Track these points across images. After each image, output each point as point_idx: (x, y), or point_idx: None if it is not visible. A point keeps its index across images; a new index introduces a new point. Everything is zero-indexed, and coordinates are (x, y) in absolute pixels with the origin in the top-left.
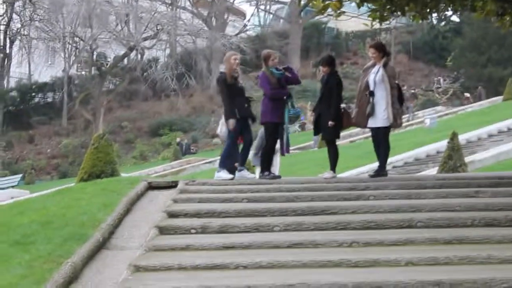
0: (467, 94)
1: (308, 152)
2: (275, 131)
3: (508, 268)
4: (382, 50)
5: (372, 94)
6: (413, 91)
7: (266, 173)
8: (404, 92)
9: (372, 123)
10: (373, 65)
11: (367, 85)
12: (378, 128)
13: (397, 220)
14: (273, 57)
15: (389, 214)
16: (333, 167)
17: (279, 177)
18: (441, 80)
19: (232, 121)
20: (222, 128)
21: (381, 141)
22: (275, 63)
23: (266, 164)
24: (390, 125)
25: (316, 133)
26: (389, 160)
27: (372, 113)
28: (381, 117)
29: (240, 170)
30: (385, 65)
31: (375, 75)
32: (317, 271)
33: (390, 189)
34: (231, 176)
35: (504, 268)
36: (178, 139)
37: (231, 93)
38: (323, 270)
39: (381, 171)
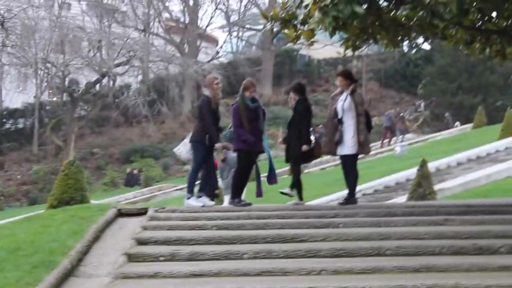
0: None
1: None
2: (248, 157)
3: None
4: (349, 77)
5: (340, 121)
6: (401, 114)
7: (237, 199)
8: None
9: (340, 150)
10: (341, 92)
11: (335, 113)
12: (346, 155)
13: (366, 248)
14: (252, 89)
15: (358, 242)
16: (300, 194)
17: (249, 204)
18: (422, 104)
19: (219, 145)
20: (181, 147)
21: (349, 169)
22: (252, 96)
23: (236, 191)
24: (357, 153)
25: (287, 160)
26: (359, 187)
27: (340, 140)
28: (348, 145)
29: (199, 197)
30: (352, 92)
31: (343, 103)
32: None
33: (360, 217)
34: (200, 203)
35: None
36: (128, 170)
37: (210, 119)
38: None
39: (350, 199)
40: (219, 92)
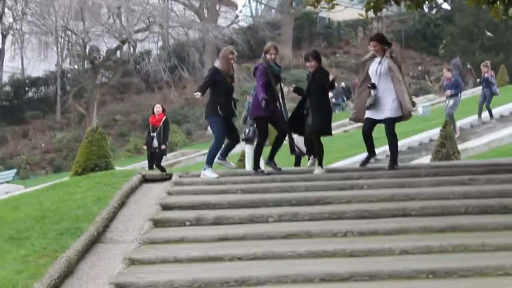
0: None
1: None
2: (266, 126)
3: (503, 255)
4: (384, 41)
5: (374, 86)
6: (469, 66)
7: (260, 169)
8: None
9: (375, 114)
10: (372, 57)
11: (368, 77)
12: (387, 119)
13: (391, 209)
14: (272, 51)
15: (383, 203)
16: (321, 162)
17: (267, 173)
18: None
19: (197, 93)
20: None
21: (390, 134)
22: (272, 58)
23: (257, 161)
24: (398, 116)
25: (298, 130)
26: (382, 149)
27: (373, 104)
28: (389, 108)
29: (218, 159)
30: (391, 56)
31: (379, 66)
32: (312, 262)
33: (384, 178)
34: (216, 175)
35: (499, 255)
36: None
37: (219, 90)
38: (318, 260)
39: (393, 166)
40: (232, 67)
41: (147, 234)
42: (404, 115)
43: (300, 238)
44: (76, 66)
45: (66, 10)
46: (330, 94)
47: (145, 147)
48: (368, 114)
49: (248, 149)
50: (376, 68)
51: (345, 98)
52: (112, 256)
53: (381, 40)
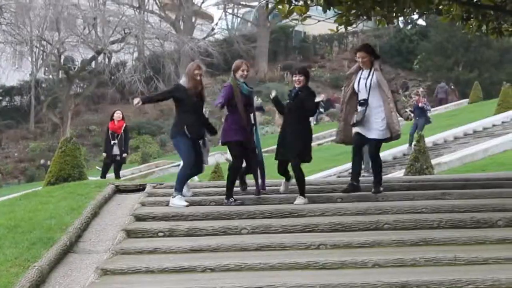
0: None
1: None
2: (241, 149)
3: (474, 269)
4: (372, 53)
5: (366, 103)
6: (452, 86)
7: (231, 199)
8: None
9: (363, 131)
10: (358, 71)
11: (354, 93)
12: (371, 139)
13: (364, 222)
14: (244, 67)
15: (356, 216)
16: (303, 192)
17: (241, 203)
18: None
19: (136, 100)
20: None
21: (375, 156)
22: (244, 75)
23: (229, 189)
24: (387, 138)
25: (279, 155)
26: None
27: (360, 122)
28: (377, 128)
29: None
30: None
31: (367, 81)
32: (285, 274)
33: (357, 192)
34: (185, 203)
35: (470, 269)
36: (42, 161)
37: (184, 108)
38: (291, 272)
39: (379, 187)
40: (198, 85)
41: (120, 245)
42: (392, 137)
43: (273, 250)
44: (50, 76)
45: (41, 20)
46: None
47: (104, 154)
48: (356, 129)
49: None
50: (363, 82)
51: (322, 110)
52: (84, 266)
53: (369, 51)
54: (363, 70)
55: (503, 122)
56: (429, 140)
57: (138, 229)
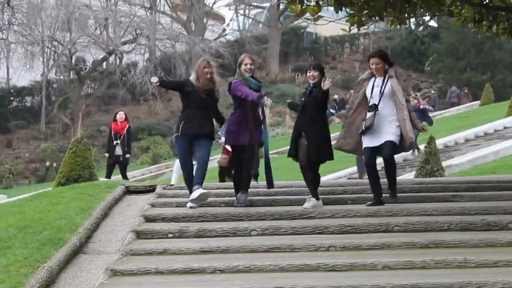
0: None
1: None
2: (240, 156)
3: (484, 272)
4: (386, 59)
5: (376, 107)
6: (465, 90)
7: (241, 201)
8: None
9: (373, 140)
10: (370, 77)
11: (365, 100)
12: (384, 143)
13: (374, 224)
14: (247, 61)
15: (366, 218)
16: (316, 193)
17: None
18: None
19: (155, 79)
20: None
21: (388, 157)
22: (247, 69)
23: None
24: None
25: (293, 153)
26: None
27: (369, 128)
28: (391, 132)
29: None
30: (392, 77)
31: (381, 88)
32: (294, 275)
33: (368, 193)
34: (201, 191)
35: (480, 272)
36: (47, 163)
37: (189, 104)
38: (300, 274)
39: (394, 196)
40: (209, 83)
41: (129, 246)
42: (405, 146)
43: (282, 252)
44: (61, 77)
45: (53, 20)
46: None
47: (107, 154)
48: (366, 142)
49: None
50: (377, 90)
51: (334, 112)
52: (94, 267)
53: (383, 58)
54: (376, 78)
55: None
56: (440, 142)
57: (148, 230)
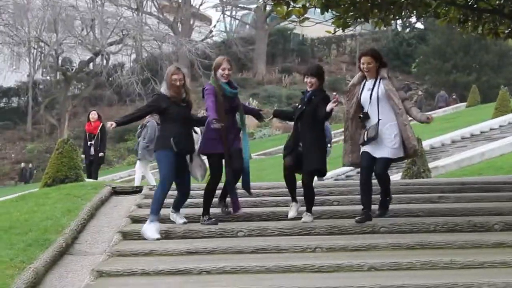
0: None
1: (274, 158)
2: (220, 164)
3: (470, 273)
4: (379, 58)
5: (366, 116)
6: (454, 96)
7: (206, 217)
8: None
9: (373, 151)
10: (361, 80)
11: (359, 107)
12: (383, 159)
13: (360, 226)
14: (224, 65)
15: (353, 219)
16: (311, 207)
17: (216, 223)
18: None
19: (109, 123)
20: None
21: (381, 174)
22: (224, 75)
23: (206, 206)
24: (401, 157)
25: (291, 163)
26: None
27: (374, 137)
28: (389, 146)
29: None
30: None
31: (372, 91)
32: (281, 276)
33: (354, 195)
34: (157, 235)
35: (466, 273)
36: (22, 165)
37: (170, 118)
38: (287, 275)
39: (385, 212)
40: (181, 91)
41: (116, 246)
42: (408, 153)
43: (269, 253)
44: (48, 77)
45: (39, 21)
46: None
47: (82, 156)
48: (366, 148)
49: (139, 163)
50: (368, 93)
51: None
52: (80, 268)
53: (376, 56)
54: (367, 80)
55: (500, 126)
56: (426, 144)
57: (134, 231)
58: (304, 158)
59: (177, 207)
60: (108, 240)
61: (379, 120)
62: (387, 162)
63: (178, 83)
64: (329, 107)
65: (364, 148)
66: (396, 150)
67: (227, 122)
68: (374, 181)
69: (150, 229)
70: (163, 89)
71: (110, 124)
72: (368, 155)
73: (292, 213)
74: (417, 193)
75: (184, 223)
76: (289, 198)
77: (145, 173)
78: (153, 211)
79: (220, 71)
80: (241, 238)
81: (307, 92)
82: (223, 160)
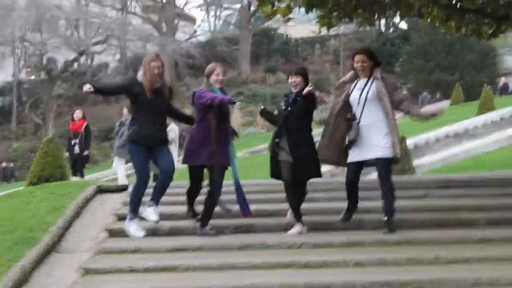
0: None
1: (261, 156)
2: (201, 172)
3: (456, 268)
4: (373, 58)
5: (353, 117)
6: (438, 95)
7: (206, 228)
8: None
9: (361, 154)
10: (353, 79)
11: (346, 106)
12: (377, 160)
13: (347, 222)
14: (217, 71)
15: (338, 215)
16: (299, 216)
17: (214, 234)
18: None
19: (87, 86)
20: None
21: (383, 179)
22: (218, 81)
23: (206, 218)
24: (393, 157)
25: (276, 172)
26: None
27: (355, 141)
28: (381, 145)
29: (149, 206)
30: (382, 78)
31: (362, 91)
32: (268, 273)
33: (340, 191)
34: (142, 233)
35: (452, 268)
36: (4, 164)
37: (138, 107)
38: (274, 271)
39: (392, 222)
40: (156, 80)
41: (102, 244)
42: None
43: (255, 249)
44: (32, 77)
45: (24, 21)
46: None
47: (67, 154)
48: (352, 156)
49: (116, 161)
50: (357, 93)
51: None
52: (67, 266)
53: (370, 55)
54: (359, 79)
55: (484, 124)
56: (410, 142)
57: (120, 228)
58: (294, 165)
59: (157, 194)
60: (94, 237)
61: (359, 122)
62: (387, 162)
63: (156, 71)
64: (305, 91)
65: (350, 158)
66: (388, 149)
67: (219, 130)
68: (362, 185)
69: (132, 227)
70: (139, 75)
71: (88, 87)
72: (353, 166)
73: (292, 231)
74: (403, 189)
75: (157, 221)
76: (274, 196)
77: (118, 170)
78: (132, 210)
79: (214, 77)
80: (227, 235)
81: (291, 93)
82: (204, 169)
